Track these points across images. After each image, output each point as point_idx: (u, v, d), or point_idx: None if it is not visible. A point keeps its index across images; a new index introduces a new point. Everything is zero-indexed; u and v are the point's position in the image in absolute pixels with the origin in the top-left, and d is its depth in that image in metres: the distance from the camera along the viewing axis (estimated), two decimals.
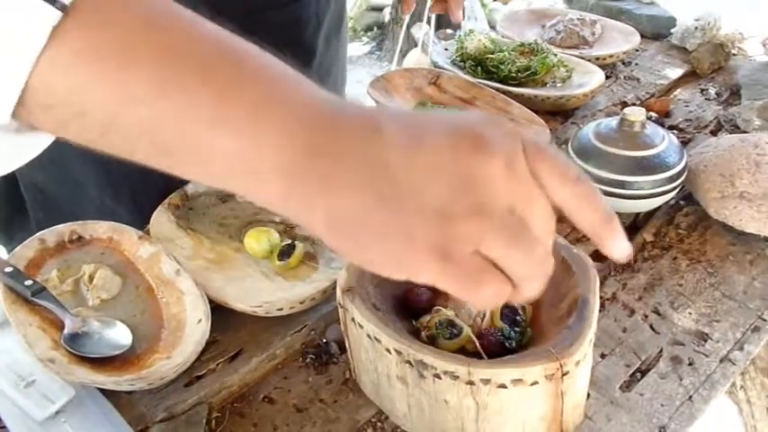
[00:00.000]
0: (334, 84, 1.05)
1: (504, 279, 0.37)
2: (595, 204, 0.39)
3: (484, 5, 3.77)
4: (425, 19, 1.08)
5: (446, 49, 1.17)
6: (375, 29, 4.08)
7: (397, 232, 0.36)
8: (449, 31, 1.23)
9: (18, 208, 0.93)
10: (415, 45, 1.13)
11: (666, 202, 0.82)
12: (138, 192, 0.86)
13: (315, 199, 0.36)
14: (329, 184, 0.35)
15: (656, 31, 1.26)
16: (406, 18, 1.07)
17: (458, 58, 1.13)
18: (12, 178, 0.91)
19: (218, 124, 0.34)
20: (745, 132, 0.95)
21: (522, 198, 0.36)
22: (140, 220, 0.78)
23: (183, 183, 0.81)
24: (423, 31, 1.12)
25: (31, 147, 0.39)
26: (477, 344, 0.56)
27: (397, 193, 0.35)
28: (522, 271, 0.37)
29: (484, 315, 0.59)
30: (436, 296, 0.61)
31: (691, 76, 1.15)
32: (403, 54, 1.15)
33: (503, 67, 1.07)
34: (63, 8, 0.33)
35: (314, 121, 0.36)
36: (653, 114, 1.01)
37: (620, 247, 0.40)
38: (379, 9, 4.07)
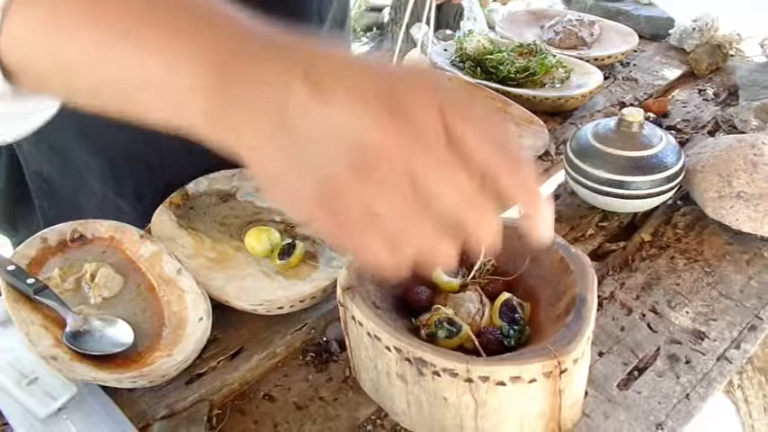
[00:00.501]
0: None
1: (389, 243, 0.37)
2: (519, 169, 0.37)
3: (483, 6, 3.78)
4: (425, 19, 1.08)
5: (445, 50, 1.17)
6: (374, 29, 4.08)
7: (290, 182, 0.37)
8: (448, 31, 1.24)
9: (22, 199, 0.93)
10: (414, 45, 1.14)
11: (664, 202, 0.82)
12: (140, 185, 0.86)
13: (226, 132, 0.37)
14: (237, 122, 0.36)
15: (655, 31, 1.26)
16: (406, 18, 1.07)
17: (457, 59, 1.14)
18: (17, 168, 0.91)
19: (141, 51, 0.37)
20: (742, 133, 0.95)
21: (426, 167, 0.35)
22: (142, 215, 0.78)
23: (185, 179, 0.81)
24: (422, 31, 1.12)
25: (36, 111, 0.41)
26: (476, 342, 0.56)
27: (291, 143, 0.36)
28: (412, 241, 0.37)
29: (483, 313, 0.59)
30: (436, 295, 0.62)
31: (689, 77, 1.15)
32: (402, 54, 1.15)
33: (502, 67, 1.07)
34: None
35: (233, 54, 0.36)
36: (651, 115, 1.01)
37: (543, 226, 0.39)
38: (379, 9, 4.08)
